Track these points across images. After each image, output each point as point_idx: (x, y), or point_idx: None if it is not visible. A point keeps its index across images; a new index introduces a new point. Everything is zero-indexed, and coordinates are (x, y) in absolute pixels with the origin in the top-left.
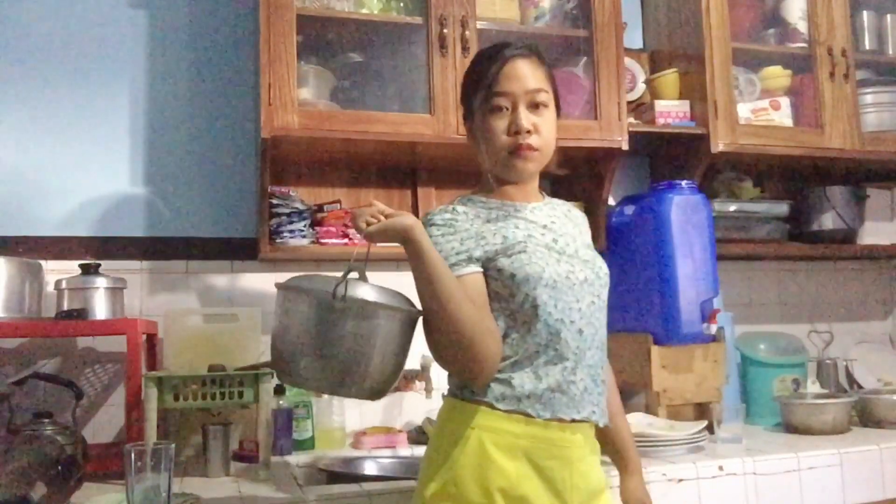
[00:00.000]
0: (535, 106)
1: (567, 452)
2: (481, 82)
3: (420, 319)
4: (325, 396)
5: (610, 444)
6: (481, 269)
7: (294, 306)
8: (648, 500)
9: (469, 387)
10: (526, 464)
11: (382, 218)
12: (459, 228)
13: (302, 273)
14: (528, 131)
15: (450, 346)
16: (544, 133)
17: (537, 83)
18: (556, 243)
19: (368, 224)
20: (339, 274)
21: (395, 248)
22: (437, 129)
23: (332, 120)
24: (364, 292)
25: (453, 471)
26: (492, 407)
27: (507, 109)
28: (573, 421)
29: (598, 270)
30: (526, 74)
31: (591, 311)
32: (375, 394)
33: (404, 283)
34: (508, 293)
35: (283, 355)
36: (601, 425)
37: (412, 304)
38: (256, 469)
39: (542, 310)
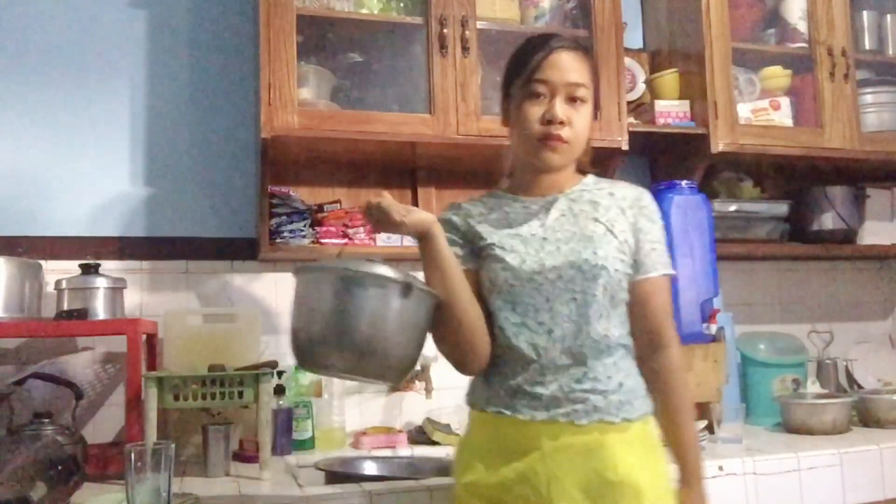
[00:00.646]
0: (572, 100)
1: (538, 443)
2: (524, 67)
3: None
4: (325, 396)
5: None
6: (475, 268)
7: (361, 291)
8: None
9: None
10: (495, 458)
11: (405, 212)
12: (459, 226)
13: (309, 264)
14: (562, 122)
15: (452, 336)
16: (577, 127)
17: (579, 77)
18: (545, 241)
19: (401, 215)
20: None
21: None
22: (437, 129)
23: (332, 120)
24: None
25: (458, 469)
26: (471, 406)
27: (545, 97)
28: (533, 420)
29: (581, 264)
30: (569, 67)
31: (570, 308)
32: (401, 376)
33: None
34: (483, 296)
35: (313, 340)
36: (582, 423)
37: None
38: (256, 469)
39: (499, 314)
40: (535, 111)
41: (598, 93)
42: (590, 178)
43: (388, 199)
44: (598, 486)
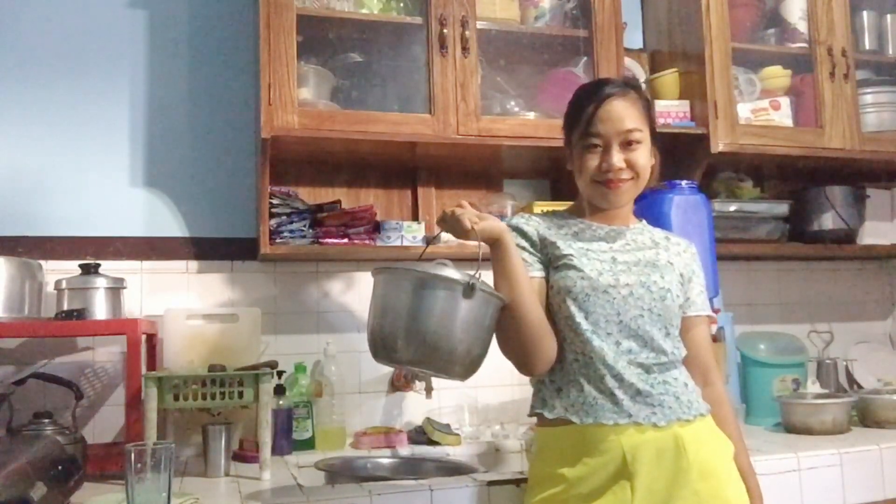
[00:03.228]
0: (628, 143)
1: (619, 443)
2: (579, 120)
3: None
4: (325, 396)
5: None
6: (544, 275)
7: (428, 292)
8: None
9: (533, 402)
10: (578, 463)
11: (476, 220)
12: (530, 234)
13: (386, 265)
14: (620, 169)
15: (516, 338)
16: (638, 166)
17: (631, 123)
18: (615, 261)
19: (472, 223)
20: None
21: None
22: (437, 129)
23: (332, 120)
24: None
25: (530, 486)
26: (543, 417)
27: (601, 147)
28: (617, 425)
29: (650, 285)
30: (621, 115)
31: (637, 323)
32: (465, 371)
33: None
34: (553, 303)
35: (386, 334)
36: (662, 425)
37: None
38: (256, 469)
39: (572, 320)
40: (593, 161)
41: (654, 124)
42: (644, 223)
43: (464, 208)
44: (674, 473)
